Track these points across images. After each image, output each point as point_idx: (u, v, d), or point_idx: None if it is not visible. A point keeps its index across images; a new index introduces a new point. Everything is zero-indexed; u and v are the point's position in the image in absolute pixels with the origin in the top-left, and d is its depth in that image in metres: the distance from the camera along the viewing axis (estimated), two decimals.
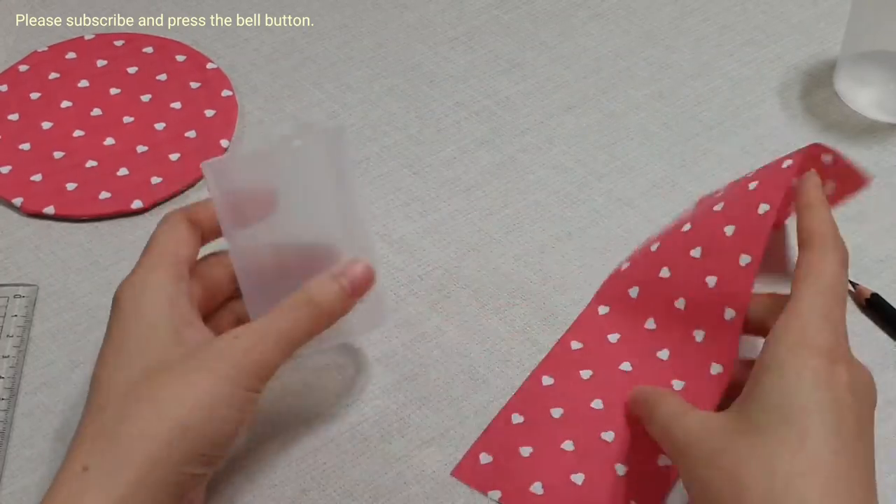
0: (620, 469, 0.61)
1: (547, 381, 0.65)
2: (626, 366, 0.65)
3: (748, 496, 0.50)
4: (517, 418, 0.64)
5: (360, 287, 0.59)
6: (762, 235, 0.62)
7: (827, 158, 0.66)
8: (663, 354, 0.65)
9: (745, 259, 0.62)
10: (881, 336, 0.67)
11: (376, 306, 0.62)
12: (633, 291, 0.67)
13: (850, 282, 0.68)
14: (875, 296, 0.67)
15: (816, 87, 0.81)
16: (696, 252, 0.65)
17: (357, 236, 0.60)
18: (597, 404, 0.64)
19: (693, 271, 0.64)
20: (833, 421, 0.52)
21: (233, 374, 0.54)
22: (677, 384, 0.63)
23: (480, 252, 0.72)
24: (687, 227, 0.67)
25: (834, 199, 0.67)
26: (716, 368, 0.62)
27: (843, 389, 0.53)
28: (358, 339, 0.67)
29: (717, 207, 0.66)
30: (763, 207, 0.62)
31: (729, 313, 0.62)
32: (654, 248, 0.68)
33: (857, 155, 0.76)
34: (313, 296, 0.57)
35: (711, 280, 0.63)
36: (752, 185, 0.65)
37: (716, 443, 0.53)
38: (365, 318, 0.61)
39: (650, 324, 0.66)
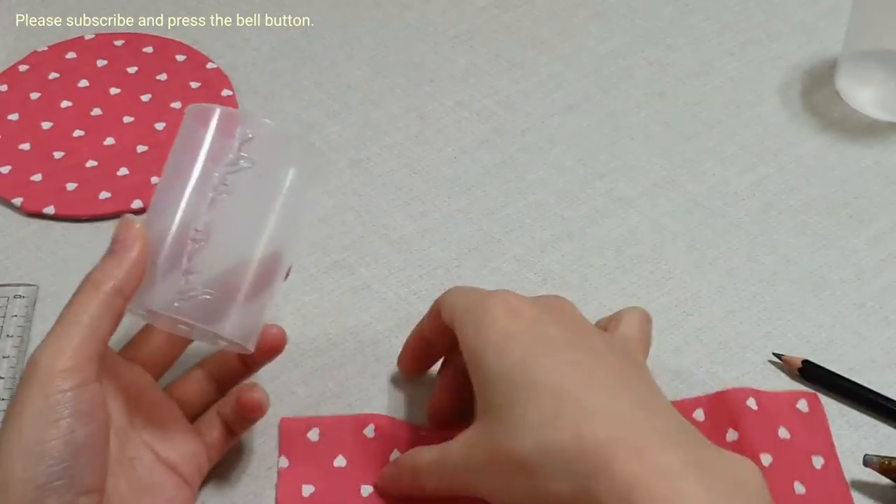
0: None
1: None
2: None
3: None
4: None
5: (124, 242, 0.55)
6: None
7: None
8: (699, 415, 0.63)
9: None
10: (825, 399, 0.63)
11: (253, 323, 0.56)
12: None
13: (775, 354, 0.65)
14: (806, 363, 0.63)
15: (817, 86, 0.81)
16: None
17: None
18: None
19: None
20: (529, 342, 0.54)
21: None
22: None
23: (480, 252, 0.72)
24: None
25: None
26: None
27: (528, 321, 0.55)
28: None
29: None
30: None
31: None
32: None
33: (858, 154, 0.76)
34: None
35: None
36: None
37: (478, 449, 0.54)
38: (239, 325, 0.55)
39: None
